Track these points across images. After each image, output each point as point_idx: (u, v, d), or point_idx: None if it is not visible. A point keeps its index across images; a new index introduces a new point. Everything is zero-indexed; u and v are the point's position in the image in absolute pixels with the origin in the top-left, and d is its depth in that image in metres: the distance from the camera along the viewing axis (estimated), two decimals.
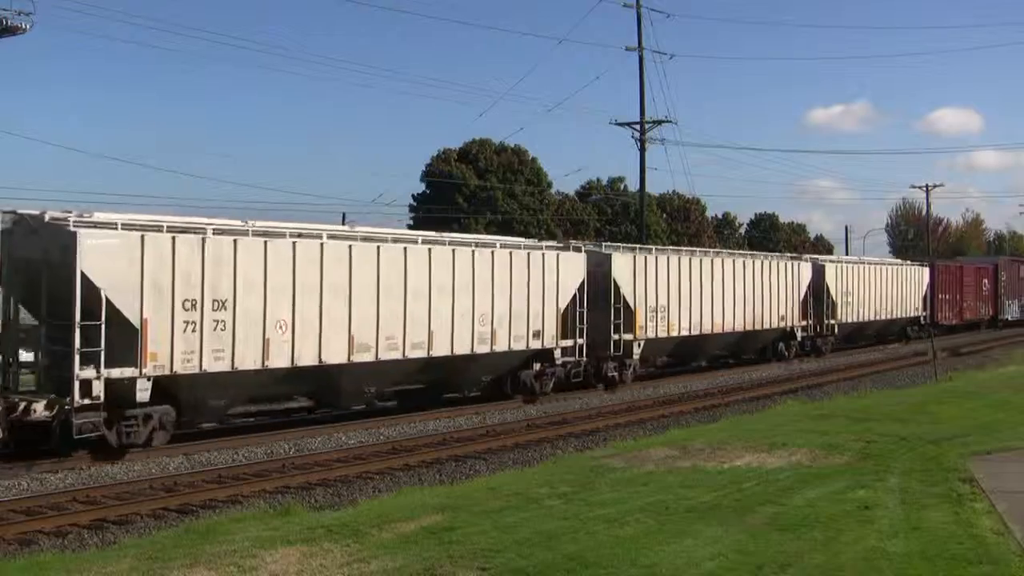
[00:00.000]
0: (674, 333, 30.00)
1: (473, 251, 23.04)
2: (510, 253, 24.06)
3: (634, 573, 9.10)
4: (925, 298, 48.30)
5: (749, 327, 33.69)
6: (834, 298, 38.86)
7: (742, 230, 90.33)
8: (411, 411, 22.35)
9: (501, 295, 23.60)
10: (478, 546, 10.05)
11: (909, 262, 49.85)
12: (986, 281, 59.00)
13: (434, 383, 23.61)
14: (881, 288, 43.37)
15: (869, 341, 45.13)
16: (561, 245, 27.16)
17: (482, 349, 23.07)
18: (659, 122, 43.99)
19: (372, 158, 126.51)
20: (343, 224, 31.96)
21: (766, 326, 34.78)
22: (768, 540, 10.14)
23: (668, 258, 30.15)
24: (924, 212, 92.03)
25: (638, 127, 43.94)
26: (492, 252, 23.61)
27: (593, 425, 21.77)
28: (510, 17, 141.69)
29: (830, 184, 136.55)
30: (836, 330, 39.38)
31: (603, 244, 29.94)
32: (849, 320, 40.58)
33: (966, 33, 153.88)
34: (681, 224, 74.74)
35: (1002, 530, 10.40)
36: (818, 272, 38.73)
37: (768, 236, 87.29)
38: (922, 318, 47.70)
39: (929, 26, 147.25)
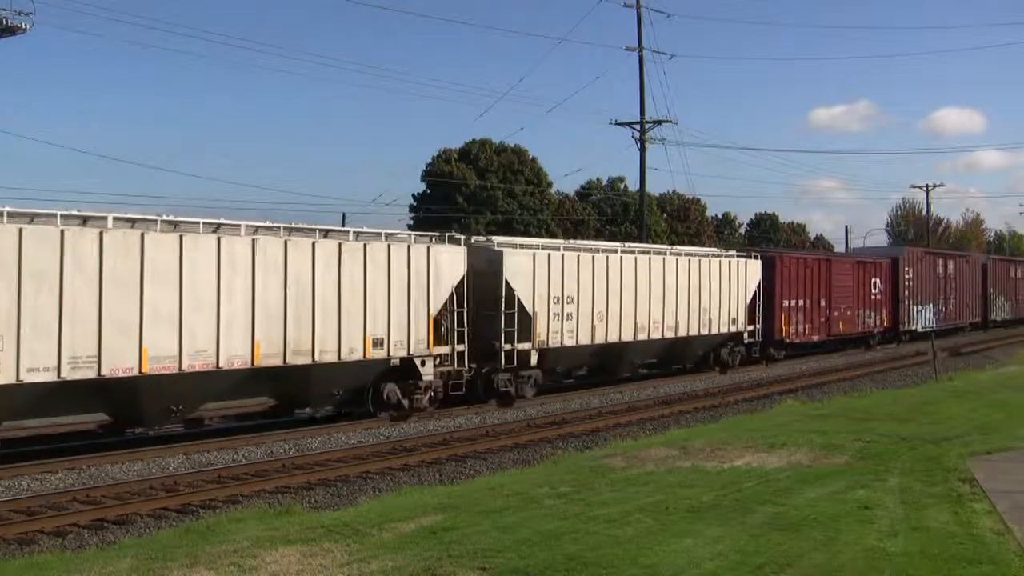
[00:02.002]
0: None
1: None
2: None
3: (634, 573, 9.10)
4: (753, 305, 33.67)
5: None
6: (527, 307, 24.34)
7: (742, 230, 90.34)
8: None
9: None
10: (478, 546, 10.05)
11: (731, 253, 34.43)
12: (877, 281, 43.35)
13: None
14: (649, 290, 28.44)
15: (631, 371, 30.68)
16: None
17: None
18: (659, 122, 44.05)
19: (372, 158, 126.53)
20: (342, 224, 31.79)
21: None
22: (768, 540, 10.14)
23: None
24: (924, 212, 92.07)
25: (638, 127, 43.98)
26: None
27: (593, 425, 21.76)
28: (510, 17, 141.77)
29: (831, 184, 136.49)
30: (531, 359, 24.77)
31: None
32: (559, 344, 25.32)
33: (968, 33, 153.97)
34: (681, 224, 74.71)
35: (1002, 530, 10.41)
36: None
37: (768, 236, 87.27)
38: (746, 334, 33.39)
39: (931, 26, 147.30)
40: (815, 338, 38.80)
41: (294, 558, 9.87)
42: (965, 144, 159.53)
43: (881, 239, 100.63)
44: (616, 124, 45.01)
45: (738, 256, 33.87)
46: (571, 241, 29.70)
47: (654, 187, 78.53)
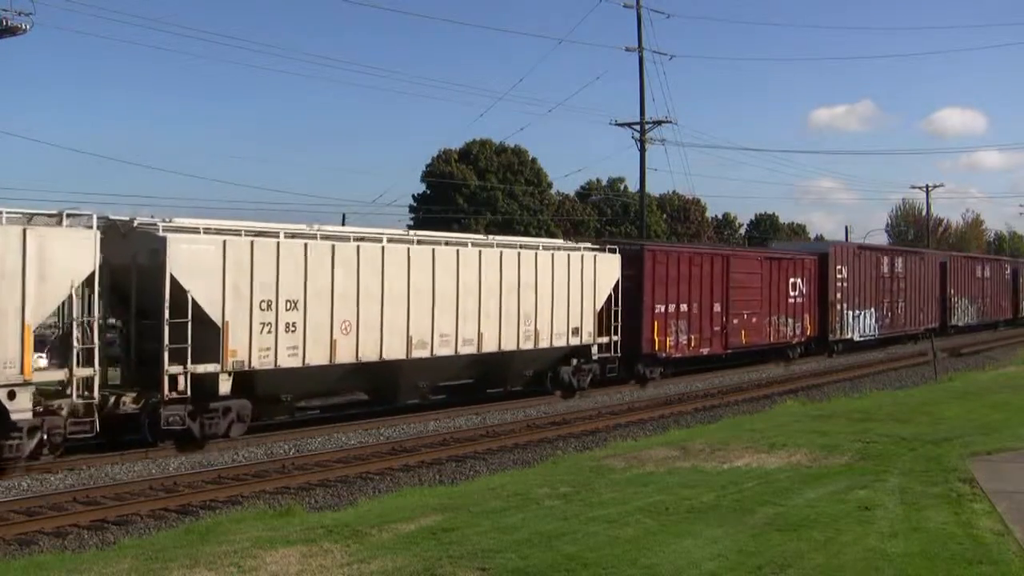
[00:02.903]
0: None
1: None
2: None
3: (634, 574, 9.10)
4: (608, 312, 26.31)
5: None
6: (211, 316, 17.90)
7: (742, 230, 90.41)
8: (407, 412, 22.29)
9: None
10: (478, 546, 10.05)
11: (578, 245, 26.96)
12: (797, 282, 35.94)
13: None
14: (433, 292, 21.56)
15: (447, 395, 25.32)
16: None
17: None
18: (659, 122, 44.04)
19: (372, 159, 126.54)
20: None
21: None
22: (768, 540, 10.14)
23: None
24: (924, 212, 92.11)
25: (638, 127, 43.97)
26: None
27: (593, 425, 21.76)
28: (510, 17, 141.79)
29: (831, 184, 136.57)
30: (218, 386, 18.09)
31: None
32: (273, 364, 18.59)
33: (970, 33, 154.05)
34: (681, 225, 74.79)
35: (1002, 530, 10.41)
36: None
37: (768, 236, 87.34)
38: (596, 348, 25.96)
39: (933, 26, 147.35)
40: (705, 351, 31.15)
41: (294, 559, 9.87)
42: (966, 144, 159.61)
43: (881, 239, 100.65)
44: (616, 124, 45.09)
45: (586, 250, 26.33)
46: (308, 226, 20.40)
47: (654, 188, 78.68)
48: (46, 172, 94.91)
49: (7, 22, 27.92)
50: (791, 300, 35.77)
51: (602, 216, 70.16)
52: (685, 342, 30.06)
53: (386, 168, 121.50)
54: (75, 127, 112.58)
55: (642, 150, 44.03)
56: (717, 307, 31.65)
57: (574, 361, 25.68)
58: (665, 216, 73.73)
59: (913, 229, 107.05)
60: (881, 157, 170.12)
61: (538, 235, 53.64)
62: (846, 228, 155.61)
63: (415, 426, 21.31)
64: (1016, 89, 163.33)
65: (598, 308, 25.96)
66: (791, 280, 35.78)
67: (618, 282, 26.61)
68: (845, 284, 39.46)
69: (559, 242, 27.68)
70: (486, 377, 24.47)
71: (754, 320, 33.50)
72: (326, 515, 12.58)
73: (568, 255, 25.32)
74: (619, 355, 26.66)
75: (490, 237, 25.09)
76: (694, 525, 10.86)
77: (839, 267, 39.10)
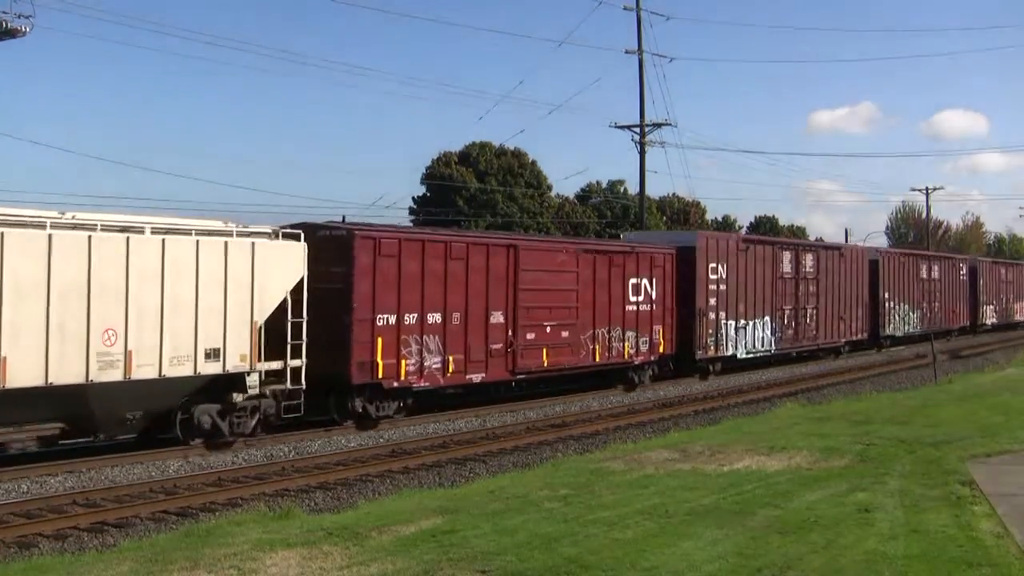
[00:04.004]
0: None
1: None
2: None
3: None
4: (279, 325, 18.58)
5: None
6: None
7: (742, 232, 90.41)
8: (411, 413, 22.18)
9: None
10: (478, 549, 10.05)
11: (223, 227, 18.08)
12: (644, 283, 27.87)
13: None
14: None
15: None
16: None
17: None
18: (659, 125, 44.05)
19: (372, 160, 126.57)
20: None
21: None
22: (768, 543, 10.14)
23: None
24: (924, 215, 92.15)
25: (638, 130, 43.99)
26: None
27: (593, 428, 21.75)
28: (509, 20, 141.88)
29: (832, 187, 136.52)
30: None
31: None
32: None
33: (972, 35, 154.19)
34: (681, 227, 74.75)
35: (1002, 533, 10.41)
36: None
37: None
38: (256, 378, 18.22)
39: (934, 28, 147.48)
40: (477, 377, 22.82)
41: (294, 561, 9.87)
42: (968, 147, 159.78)
43: (881, 241, 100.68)
44: (616, 127, 45.10)
45: (241, 235, 18.06)
46: None
47: (654, 190, 78.61)
48: (31, 173, 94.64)
49: (7, 25, 27.95)
50: (632, 308, 27.29)
51: (602, 218, 70.15)
52: (437, 366, 21.71)
53: (386, 170, 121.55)
54: (61, 128, 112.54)
55: (642, 152, 44.06)
56: (498, 316, 23.19)
57: (227, 396, 17.85)
58: (665, 218, 73.73)
59: (913, 231, 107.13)
60: (882, 159, 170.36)
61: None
62: (846, 230, 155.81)
63: (415, 428, 21.29)
64: (1018, 91, 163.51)
65: (260, 319, 18.11)
66: (632, 281, 27.33)
67: (302, 282, 18.80)
68: (722, 287, 30.95)
69: (198, 223, 17.92)
70: (67, 420, 16.02)
71: (564, 334, 24.95)
72: (326, 517, 12.58)
73: (197, 241, 17.19)
74: (302, 386, 18.80)
75: (68, 214, 16.18)
76: (694, 527, 10.86)
77: (713, 265, 30.58)
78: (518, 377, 24.25)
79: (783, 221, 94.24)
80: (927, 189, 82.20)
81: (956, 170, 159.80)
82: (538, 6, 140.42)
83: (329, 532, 11.08)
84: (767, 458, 15.54)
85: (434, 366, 21.74)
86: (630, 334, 27.36)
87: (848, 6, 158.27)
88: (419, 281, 21.35)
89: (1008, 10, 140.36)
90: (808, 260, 36.29)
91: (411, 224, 59.06)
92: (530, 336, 24.11)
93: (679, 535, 10.54)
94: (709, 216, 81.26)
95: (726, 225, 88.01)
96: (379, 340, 20.46)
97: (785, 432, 18.51)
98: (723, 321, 31.07)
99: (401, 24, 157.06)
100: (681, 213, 75.08)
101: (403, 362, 21.03)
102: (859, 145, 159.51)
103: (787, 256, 35.02)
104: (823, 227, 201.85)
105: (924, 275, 46.96)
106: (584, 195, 71.01)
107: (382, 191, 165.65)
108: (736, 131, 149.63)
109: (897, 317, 44.15)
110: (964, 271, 52.67)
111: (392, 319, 20.79)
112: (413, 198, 64.96)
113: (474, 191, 61.86)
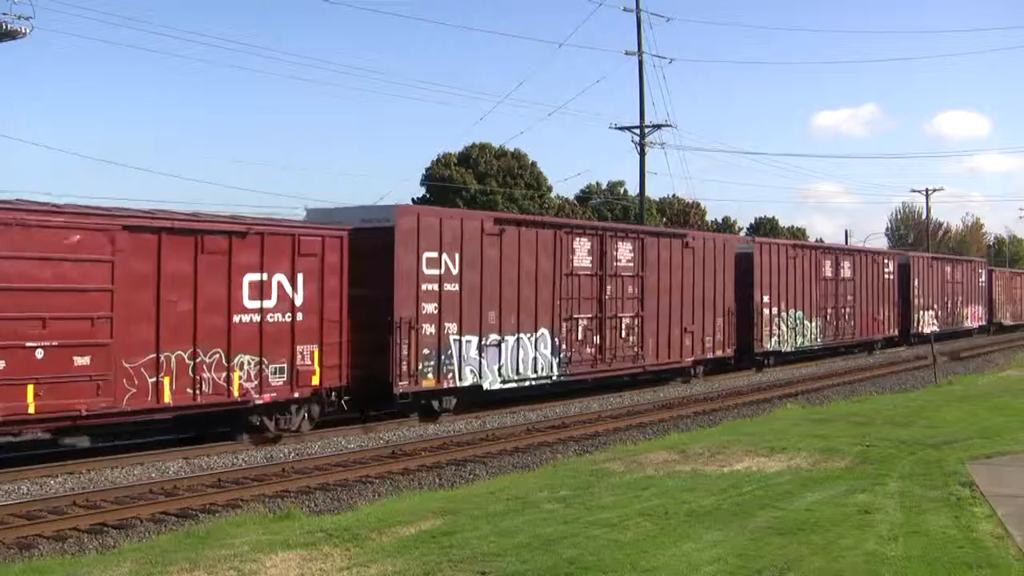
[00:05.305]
0: None
1: None
2: None
3: None
4: None
5: None
6: None
7: (742, 234, 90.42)
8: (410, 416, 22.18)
9: None
10: (478, 550, 10.05)
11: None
12: (277, 282, 18.26)
13: None
14: None
15: None
16: None
17: None
18: (659, 126, 44.07)
19: (371, 162, 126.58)
20: None
21: None
22: (768, 544, 10.14)
23: None
24: (924, 216, 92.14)
25: (638, 131, 44.00)
26: None
27: (593, 429, 21.75)
28: (510, 21, 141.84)
29: (833, 188, 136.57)
30: None
31: None
32: None
33: (974, 36, 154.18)
34: (681, 228, 74.82)
35: (1002, 534, 10.40)
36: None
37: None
38: None
39: (936, 30, 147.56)
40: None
41: (294, 562, 9.88)
42: (969, 148, 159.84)
43: (881, 243, 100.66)
44: (616, 128, 45.11)
45: None
46: None
47: (654, 191, 78.72)
48: (28, 174, 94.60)
49: (7, 26, 27.98)
50: (254, 317, 18.00)
51: (602, 219, 70.20)
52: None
53: (385, 171, 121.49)
54: (56, 128, 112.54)
55: (642, 154, 44.07)
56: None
57: None
58: (664, 220, 73.77)
59: (913, 233, 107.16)
60: (883, 161, 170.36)
61: None
62: (846, 232, 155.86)
63: (415, 430, 21.30)
64: (1019, 93, 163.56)
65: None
66: (248, 278, 17.91)
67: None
68: (461, 288, 21.74)
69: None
70: None
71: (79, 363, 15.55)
72: (326, 519, 12.57)
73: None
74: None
75: None
76: (694, 529, 10.86)
77: (429, 253, 20.90)
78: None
79: (783, 222, 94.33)
80: (927, 190, 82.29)
81: (957, 171, 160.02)
82: (538, 8, 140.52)
83: (329, 533, 11.08)
84: (767, 459, 15.54)
85: None
86: (249, 358, 18.03)
87: (850, 8, 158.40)
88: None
89: (1009, 11, 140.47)
90: (622, 249, 26.69)
91: None
92: None
93: (679, 536, 10.53)
94: (709, 218, 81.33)
95: (726, 227, 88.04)
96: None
97: (785, 433, 18.50)
98: (454, 339, 21.82)
99: (401, 25, 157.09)
100: (681, 214, 75.11)
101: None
102: (860, 147, 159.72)
103: (583, 244, 25.42)
104: (824, 228, 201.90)
105: (828, 273, 37.78)
106: (584, 196, 71.10)
107: (382, 191, 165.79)
108: (738, 132, 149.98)
109: (783, 328, 34.26)
110: (891, 268, 43.13)
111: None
112: (413, 199, 65.01)
113: (474, 192, 61.87)
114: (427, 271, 21.17)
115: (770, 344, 33.60)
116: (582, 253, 25.52)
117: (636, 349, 27.34)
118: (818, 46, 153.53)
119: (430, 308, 21.24)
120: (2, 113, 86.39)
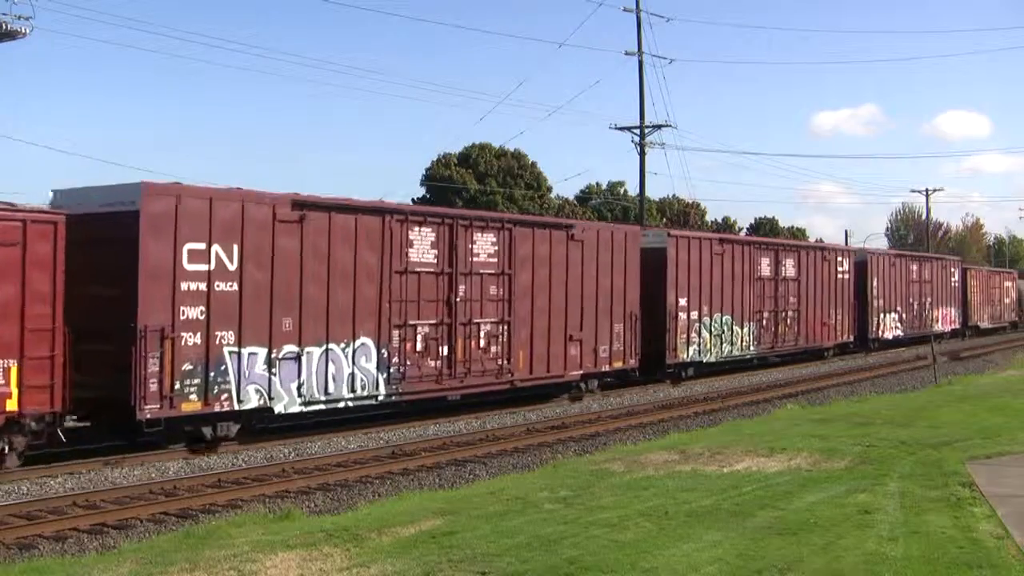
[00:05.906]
0: None
1: None
2: None
3: None
4: None
5: None
6: None
7: (742, 234, 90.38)
8: (410, 416, 22.17)
9: None
10: (478, 550, 10.05)
11: None
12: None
13: None
14: None
15: None
16: None
17: None
18: (659, 126, 44.11)
19: (371, 162, 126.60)
20: None
21: None
22: (768, 544, 10.14)
23: None
24: (924, 216, 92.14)
25: (638, 131, 44.03)
26: None
27: (592, 429, 21.74)
28: (509, 21, 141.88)
29: (833, 188, 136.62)
30: None
31: None
32: None
33: (975, 36, 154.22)
34: (680, 228, 74.81)
35: (1002, 534, 10.41)
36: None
37: None
38: None
39: (937, 30, 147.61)
40: None
41: (294, 563, 9.87)
42: (969, 148, 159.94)
43: (881, 243, 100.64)
44: (615, 129, 45.14)
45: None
46: None
47: (654, 191, 78.72)
48: (26, 174, 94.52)
49: (7, 27, 27.99)
50: None
51: (602, 220, 70.18)
52: None
53: (385, 171, 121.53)
54: (53, 128, 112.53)
55: (642, 154, 44.10)
56: None
57: None
58: (664, 220, 73.78)
59: (913, 233, 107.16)
60: (883, 161, 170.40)
61: None
62: (845, 232, 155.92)
63: (415, 430, 21.29)
64: (1020, 93, 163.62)
65: None
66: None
67: None
68: (227, 288, 17.56)
69: None
70: None
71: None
72: (326, 519, 12.58)
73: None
74: None
75: None
76: (694, 529, 10.86)
77: (194, 244, 17.04)
78: None
79: (783, 222, 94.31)
80: (927, 191, 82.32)
81: (958, 172, 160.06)
82: (538, 8, 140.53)
83: (329, 533, 11.08)
84: (767, 459, 15.55)
85: None
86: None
87: (851, 8, 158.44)
88: None
89: (1010, 12, 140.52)
90: (470, 240, 22.18)
91: None
92: None
93: (679, 536, 10.54)
94: (709, 218, 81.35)
95: (726, 227, 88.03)
96: None
97: (785, 433, 18.51)
98: (226, 353, 17.45)
99: (401, 25, 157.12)
100: (681, 215, 75.12)
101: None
102: (860, 147, 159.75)
103: (424, 233, 21.16)
104: (824, 228, 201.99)
105: (766, 272, 33.25)
106: (584, 196, 71.10)
107: (381, 192, 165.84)
108: (738, 133, 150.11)
109: (705, 334, 29.89)
110: (845, 267, 39.03)
111: None
112: (412, 199, 65.03)
113: (474, 192, 61.88)
114: (190, 267, 16.97)
115: (687, 354, 29.04)
116: (423, 246, 21.12)
117: (501, 361, 22.83)
118: (818, 46, 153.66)
119: (194, 313, 17.01)
120: (2, 113, 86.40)
